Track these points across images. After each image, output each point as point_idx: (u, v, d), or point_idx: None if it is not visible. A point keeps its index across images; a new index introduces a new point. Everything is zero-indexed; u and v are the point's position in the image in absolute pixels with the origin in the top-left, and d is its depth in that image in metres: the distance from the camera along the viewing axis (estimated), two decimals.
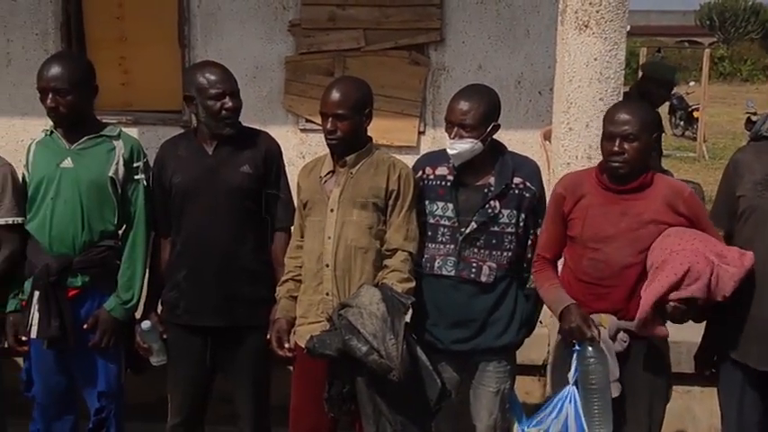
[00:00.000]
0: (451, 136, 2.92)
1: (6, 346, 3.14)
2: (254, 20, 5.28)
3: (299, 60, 5.29)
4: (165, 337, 3.18)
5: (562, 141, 3.67)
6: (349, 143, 2.94)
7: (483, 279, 2.97)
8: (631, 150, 2.77)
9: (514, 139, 4.97)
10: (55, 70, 3.00)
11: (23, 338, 3.10)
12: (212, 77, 3.04)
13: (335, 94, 2.92)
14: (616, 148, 2.77)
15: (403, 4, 5.13)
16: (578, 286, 2.92)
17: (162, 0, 5.39)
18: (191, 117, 5.32)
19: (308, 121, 5.35)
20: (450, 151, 2.92)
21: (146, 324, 3.14)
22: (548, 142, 4.72)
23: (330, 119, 2.91)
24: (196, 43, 5.34)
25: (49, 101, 2.99)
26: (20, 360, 3.25)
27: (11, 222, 3.06)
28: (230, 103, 3.03)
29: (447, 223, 2.98)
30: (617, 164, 2.79)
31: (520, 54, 5.12)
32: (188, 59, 5.35)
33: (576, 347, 2.81)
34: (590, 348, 2.78)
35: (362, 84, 3.04)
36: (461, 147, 2.91)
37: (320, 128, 5.18)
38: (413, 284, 2.92)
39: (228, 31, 5.30)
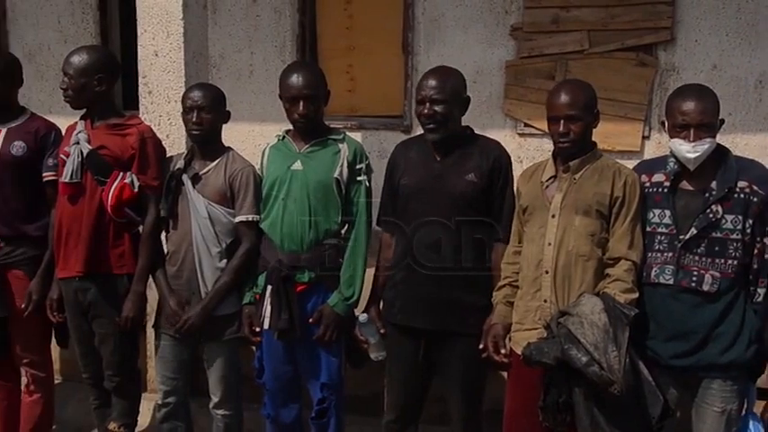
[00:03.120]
0: (691, 139, 2.75)
1: (242, 335, 3.38)
2: (477, 25, 5.31)
3: (519, 64, 5.25)
4: (382, 332, 3.25)
5: None
6: (580, 146, 2.87)
7: (705, 288, 2.77)
8: None
9: (752, 143, 4.61)
10: (304, 79, 3.18)
11: (257, 329, 3.31)
12: (424, 82, 3.09)
13: (565, 96, 2.86)
14: None
15: (631, 3, 4.92)
16: None
17: (389, 9, 5.58)
18: (411, 122, 5.48)
19: (526, 125, 5.30)
20: (691, 155, 2.75)
21: (363, 317, 3.24)
22: None
23: (562, 121, 2.84)
24: (419, 50, 5.47)
25: (301, 108, 3.18)
26: (254, 349, 3.47)
27: (250, 219, 3.29)
28: (426, 110, 3.04)
29: (665, 231, 2.83)
30: None
31: (763, 51, 4.73)
32: (410, 66, 5.50)
33: None
34: None
35: (588, 85, 2.97)
36: (703, 148, 2.75)
37: (538, 132, 5.23)
38: (636, 295, 2.79)
39: (451, 36, 5.37)
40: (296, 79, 3.19)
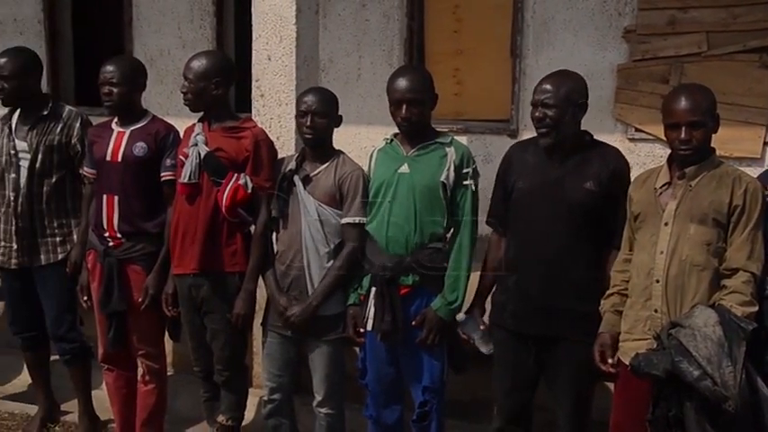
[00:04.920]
0: None
1: (346, 335, 3.42)
2: (588, 27, 5.20)
3: (632, 67, 5.11)
4: (482, 327, 3.23)
5: None
6: (702, 152, 2.77)
7: None
8: None
9: None
10: (409, 83, 3.21)
11: (361, 330, 3.35)
12: (538, 86, 3.07)
13: (687, 102, 2.76)
14: None
15: (755, 2, 4.70)
16: None
17: (497, 13, 5.54)
18: (518, 126, 5.42)
19: (637, 130, 5.15)
20: None
21: (460, 316, 3.22)
22: None
23: (683, 128, 2.75)
24: (527, 53, 5.40)
25: (403, 112, 3.20)
26: (357, 350, 3.51)
27: (356, 222, 3.33)
28: (537, 114, 3.02)
29: None
30: None
31: None
32: (518, 70, 5.44)
33: None
34: None
35: (708, 89, 2.85)
36: None
37: (650, 137, 5.07)
38: (755, 309, 2.66)
39: (560, 39, 5.28)
40: (400, 83, 3.22)
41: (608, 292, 2.99)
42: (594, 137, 3.20)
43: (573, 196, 3.00)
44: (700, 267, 2.73)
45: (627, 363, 2.79)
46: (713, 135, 2.82)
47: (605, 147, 3.14)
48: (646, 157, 5.12)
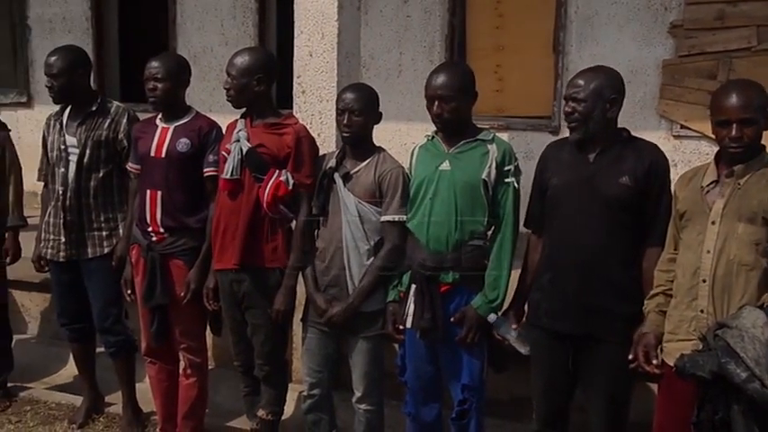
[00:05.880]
0: None
1: (386, 332, 3.41)
2: (633, 23, 5.13)
3: (678, 63, 5.03)
4: (514, 327, 3.22)
5: None
6: (752, 150, 2.71)
7: None
8: None
9: None
10: (442, 79, 3.20)
11: (400, 327, 3.35)
12: (571, 80, 3.05)
13: (738, 98, 2.68)
14: None
15: None
16: None
17: (540, 8, 5.50)
18: (559, 122, 5.37)
19: (682, 127, 5.07)
20: None
21: (491, 317, 3.20)
22: None
23: (734, 125, 2.67)
24: (570, 49, 5.35)
25: (435, 108, 3.20)
26: (397, 347, 3.51)
27: (396, 219, 3.32)
28: (567, 108, 3.01)
29: None
30: None
31: None
32: (561, 66, 5.39)
33: None
34: None
35: (759, 85, 2.77)
36: None
37: (696, 134, 4.98)
38: None
39: (604, 35, 5.22)
40: (434, 79, 3.22)
41: (652, 292, 2.94)
42: (639, 134, 3.15)
43: (608, 192, 2.96)
44: (748, 267, 2.67)
45: (670, 363, 2.74)
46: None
47: (642, 142, 3.09)
48: (691, 154, 5.04)
